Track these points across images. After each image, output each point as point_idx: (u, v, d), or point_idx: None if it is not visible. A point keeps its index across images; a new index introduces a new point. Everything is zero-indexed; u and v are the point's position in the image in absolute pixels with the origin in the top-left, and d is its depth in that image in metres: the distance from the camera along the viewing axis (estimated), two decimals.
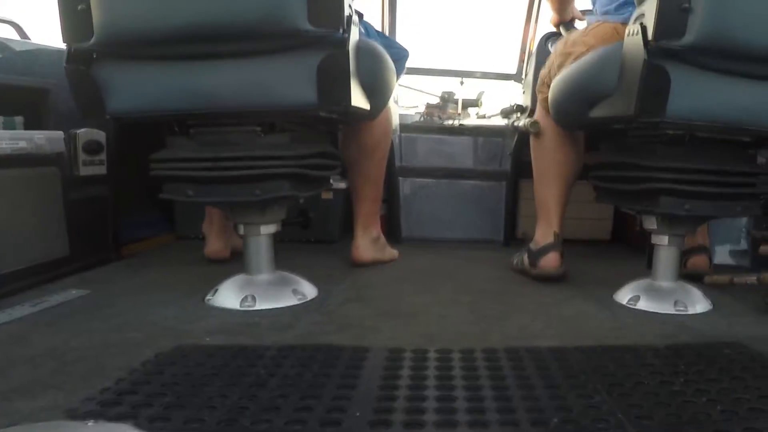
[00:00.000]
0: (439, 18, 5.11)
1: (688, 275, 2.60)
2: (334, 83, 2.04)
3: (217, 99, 2.04)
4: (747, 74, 2.06)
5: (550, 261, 2.76)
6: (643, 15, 2.00)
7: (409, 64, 3.14)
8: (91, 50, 2.06)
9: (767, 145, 2.35)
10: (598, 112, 2.33)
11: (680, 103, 2.02)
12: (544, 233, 2.82)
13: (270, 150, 2.17)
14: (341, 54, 2.02)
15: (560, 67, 2.66)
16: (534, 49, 4.13)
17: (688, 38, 1.91)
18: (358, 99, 2.18)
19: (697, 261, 2.82)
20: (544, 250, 2.78)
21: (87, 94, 2.08)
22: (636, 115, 2.05)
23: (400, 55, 2.83)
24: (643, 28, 1.97)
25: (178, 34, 1.94)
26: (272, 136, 2.20)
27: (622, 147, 2.46)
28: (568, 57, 2.63)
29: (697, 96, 2.05)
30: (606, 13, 2.60)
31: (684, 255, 2.60)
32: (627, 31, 2.11)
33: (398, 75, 2.77)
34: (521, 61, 4.77)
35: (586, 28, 2.71)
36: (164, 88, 2.06)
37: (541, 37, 4.06)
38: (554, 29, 3.47)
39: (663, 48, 1.96)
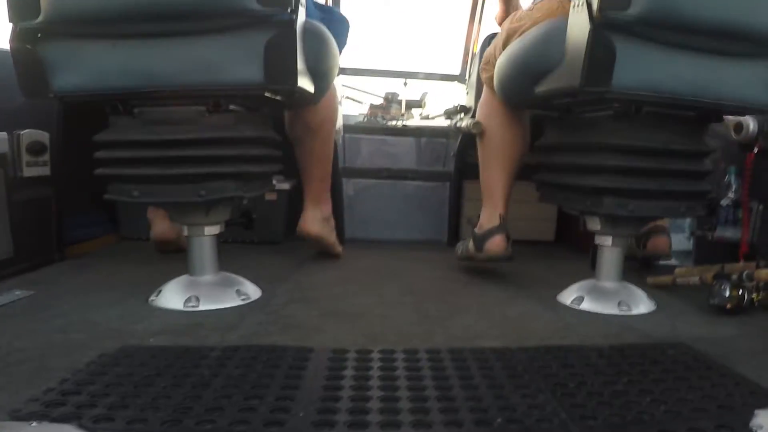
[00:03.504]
0: (382, 19, 5.12)
1: (646, 258, 2.64)
2: (281, 63, 2.04)
3: (162, 77, 2.03)
4: (693, 47, 2.07)
5: (497, 244, 2.74)
6: None
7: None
8: (37, 29, 2.03)
9: (711, 120, 2.37)
10: (543, 87, 2.32)
11: (626, 74, 2.03)
12: (489, 216, 2.81)
13: (215, 131, 2.16)
14: (289, 33, 2.02)
15: (505, 44, 2.66)
16: (477, 50, 4.16)
17: (634, 10, 1.91)
18: (304, 80, 2.18)
19: (657, 242, 2.85)
20: (490, 233, 2.76)
21: (32, 73, 2.05)
22: (582, 85, 2.04)
23: (340, 30, 2.83)
24: (588, 1, 1.98)
25: (125, 12, 1.93)
26: (217, 116, 2.18)
27: (566, 125, 2.48)
28: (514, 33, 2.62)
29: (643, 68, 2.06)
30: None
31: (643, 237, 2.63)
32: (572, 4, 2.10)
33: (340, 48, 2.76)
34: (465, 62, 4.81)
35: (533, 3, 2.69)
36: (110, 66, 2.04)
37: (484, 38, 4.08)
38: (497, 31, 3.49)
39: (608, 20, 1.96)
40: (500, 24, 3.22)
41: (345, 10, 4.58)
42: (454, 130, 4.00)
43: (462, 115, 3.99)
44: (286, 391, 1.44)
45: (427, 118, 4.65)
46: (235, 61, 2.04)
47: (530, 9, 2.65)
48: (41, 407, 1.31)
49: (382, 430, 1.26)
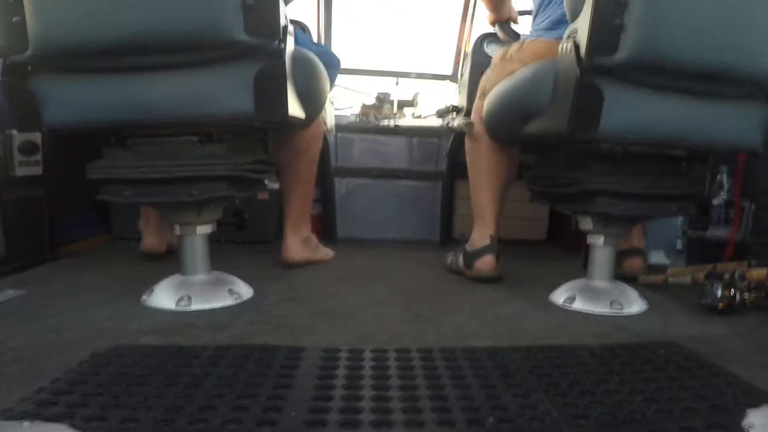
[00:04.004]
0: (375, 19, 5.11)
1: (623, 277, 2.65)
2: (271, 93, 2.05)
3: (154, 110, 2.03)
4: (679, 90, 2.08)
5: (486, 263, 2.79)
6: (576, 31, 2.01)
7: (345, 64, 3.15)
8: (26, 63, 2.03)
9: (698, 160, 2.39)
10: (531, 128, 2.35)
11: (613, 119, 2.04)
12: (480, 235, 2.85)
13: (207, 160, 2.17)
14: (278, 64, 2.04)
15: (497, 79, 2.69)
16: (470, 50, 4.16)
17: (621, 55, 1.92)
18: (294, 108, 2.19)
19: (633, 263, 2.86)
20: (480, 253, 2.81)
21: (23, 106, 2.06)
22: (569, 132, 2.07)
23: (331, 64, 2.84)
24: (576, 45, 1.99)
25: (114, 46, 1.93)
26: (209, 147, 2.19)
27: (554, 162, 2.49)
28: (503, 72, 2.65)
29: (630, 112, 2.07)
30: (539, 30, 2.66)
31: (619, 256, 2.65)
32: (560, 48, 2.12)
33: (331, 84, 2.78)
34: (457, 62, 4.80)
35: (522, 43, 2.73)
36: (101, 99, 2.04)
37: (477, 38, 4.09)
38: (490, 30, 3.49)
39: (596, 65, 1.97)
40: (492, 24, 3.24)
41: (338, 10, 4.61)
42: (446, 130, 4.01)
43: (454, 114, 4.00)
44: (278, 390, 1.44)
45: (419, 117, 4.64)
46: (225, 92, 2.05)
47: (519, 50, 2.68)
48: (33, 407, 1.31)
49: (374, 429, 1.26)
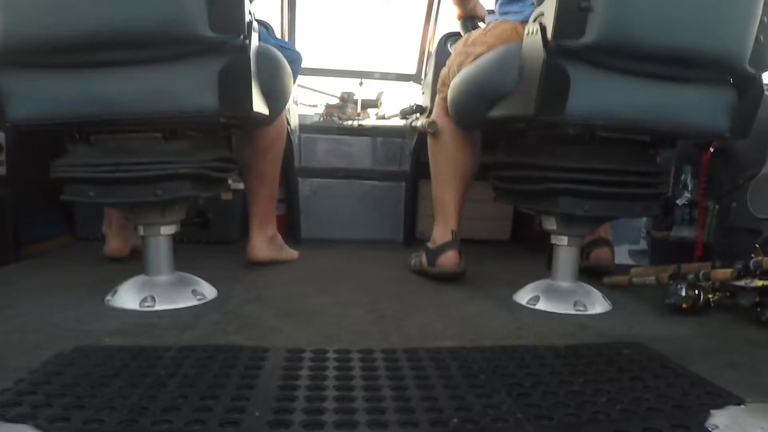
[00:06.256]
0: (338, 19, 5.12)
1: (590, 269, 2.67)
2: (235, 89, 2.05)
3: (118, 106, 2.03)
4: (646, 74, 2.10)
5: (449, 259, 2.79)
6: (542, 14, 2.01)
7: (309, 64, 3.15)
8: None
9: (666, 145, 2.41)
10: (497, 112, 2.34)
11: (580, 101, 2.04)
12: (442, 232, 2.85)
13: (171, 156, 2.17)
14: (242, 60, 2.04)
15: (460, 66, 2.69)
16: (433, 49, 4.18)
17: (588, 38, 1.93)
18: (258, 104, 2.19)
19: (600, 254, 2.89)
20: (442, 249, 2.81)
21: None
22: (536, 114, 2.07)
23: (293, 58, 2.84)
24: (543, 28, 1.98)
25: (78, 42, 1.92)
26: (173, 143, 2.19)
27: (520, 147, 2.49)
28: (467, 57, 2.64)
29: (597, 95, 2.08)
30: (505, 13, 2.63)
31: (586, 248, 2.66)
32: (526, 31, 2.12)
33: (293, 79, 2.79)
34: (420, 62, 4.82)
35: (486, 27, 2.72)
36: (65, 95, 2.03)
37: (440, 37, 4.10)
38: (453, 30, 3.51)
39: (562, 47, 1.98)
40: (459, 20, 3.24)
41: (301, 9, 4.61)
42: (410, 130, 4.03)
43: (418, 114, 4.02)
44: (242, 391, 1.44)
45: (383, 117, 4.65)
46: (190, 88, 2.04)
47: (483, 33, 2.67)
48: None
49: (338, 429, 1.27)
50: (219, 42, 1.99)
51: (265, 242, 3.05)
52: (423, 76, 4.53)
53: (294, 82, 2.84)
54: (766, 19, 2.10)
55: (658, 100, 2.15)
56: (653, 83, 2.13)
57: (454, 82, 2.69)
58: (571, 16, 1.93)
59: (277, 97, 2.47)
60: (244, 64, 2.05)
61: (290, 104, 2.95)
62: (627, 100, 2.12)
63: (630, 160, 2.31)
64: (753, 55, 2.11)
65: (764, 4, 2.07)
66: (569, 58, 2.02)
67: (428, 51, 4.62)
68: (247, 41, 2.03)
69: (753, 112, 2.24)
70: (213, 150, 2.32)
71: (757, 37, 2.10)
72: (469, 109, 2.63)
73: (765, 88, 2.25)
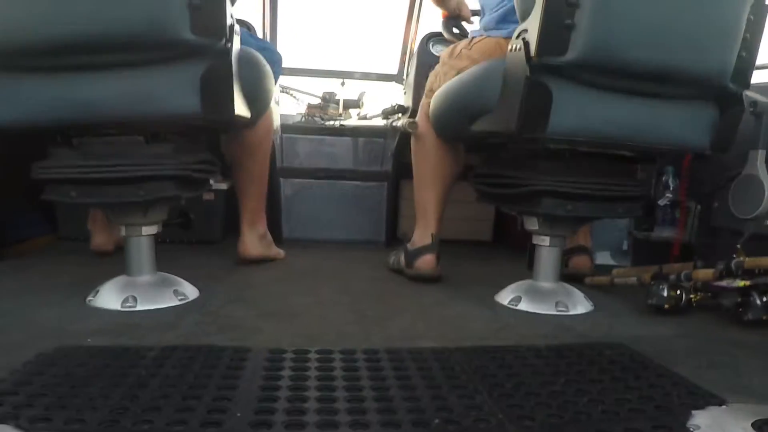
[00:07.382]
0: (319, 18, 5.11)
1: (570, 276, 2.68)
2: (217, 92, 2.05)
3: (100, 109, 2.02)
4: (628, 91, 2.12)
5: (426, 263, 2.81)
6: (525, 31, 2.02)
7: (290, 64, 3.15)
8: None
9: (647, 160, 2.42)
10: (479, 127, 2.35)
11: (562, 118, 2.05)
12: (421, 234, 2.86)
13: (153, 158, 2.17)
14: (224, 64, 2.04)
15: (444, 77, 2.71)
16: (415, 49, 4.18)
17: (571, 55, 1.95)
18: (240, 107, 2.19)
19: (579, 261, 2.89)
20: (421, 252, 2.82)
21: None
22: (518, 131, 2.08)
23: (273, 59, 2.84)
24: (526, 44, 2.00)
25: (59, 44, 1.91)
26: (155, 146, 2.19)
27: (501, 160, 2.51)
28: (451, 69, 2.67)
29: (579, 112, 2.09)
30: (488, 29, 2.66)
31: (565, 255, 2.67)
32: (509, 47, 2.13)
33: (275, 80, 2.79)
34: (402, 62, 4.82)
35: (470, 41, 2.74)
36: (46, 99, 2.02)
37: (422, 37, 4.12)
38: (435, 30, 3.50)
39: (545, 64, 1.99)
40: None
41: (283, 8, 4.60)
42: (392, 130, 4.03)
43: (399, 115, 4.02)
44: (223, 391, 1.44)
45: (364, 118, 4.63)
46: (172, 92, 2.04)
47: (468, 47, 2.70)
48: None
49: (320, 430, 1.27)
50: (201, 46, 1.98)
51: (256, 239, 3.06)
52: (405, 76, 4.53)
53: (276, 83, 2.84)
54: (748, 36, 2.11)
55: (640, 117, 2.16)
56: (635, 100, 2.14)
57: (436, 96, 2.71)
58: (554, 33, 1.95)
59: (258, 100, 2.47)
60: (226, 68, 2.05)
61: (272, 105, 2.95)
62: (609, 117, 2.13)
63: (610, 175, 2.33)
64: (735, 72, 2.13)
65: (747, 21, 2.09)
66: (552, 75, 2.03)
67: (410, 51, 4.63)
68: (229, 45, 2.02)
69: (734, 128, 2.27)
70: (195, 153, 2.32)
71: (739, 54, 2.11)
72: (451, 123, 2.65)
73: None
